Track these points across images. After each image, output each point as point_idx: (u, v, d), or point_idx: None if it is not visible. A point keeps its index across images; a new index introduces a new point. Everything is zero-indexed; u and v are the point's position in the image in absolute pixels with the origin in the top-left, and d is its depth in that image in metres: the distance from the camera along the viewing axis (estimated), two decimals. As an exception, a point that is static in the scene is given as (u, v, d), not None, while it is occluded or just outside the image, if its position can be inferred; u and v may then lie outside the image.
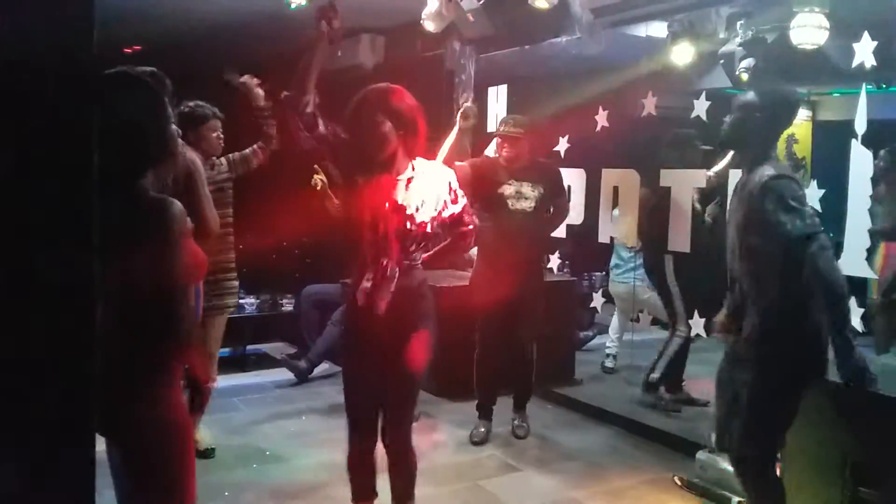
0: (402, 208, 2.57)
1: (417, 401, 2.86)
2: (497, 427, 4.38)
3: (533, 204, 4.19)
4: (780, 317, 2.54)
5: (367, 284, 2.56)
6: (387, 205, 2.56)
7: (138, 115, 1.81)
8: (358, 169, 2.61)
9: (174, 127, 1.99)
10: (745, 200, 2.60)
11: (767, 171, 2.54)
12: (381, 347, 2.60)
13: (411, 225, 2.57)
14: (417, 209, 2.59)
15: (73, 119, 1.22)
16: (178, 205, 1.80)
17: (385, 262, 2.54)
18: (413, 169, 2.64)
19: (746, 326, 2.61)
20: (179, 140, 3.46)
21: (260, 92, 3.97)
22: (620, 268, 5.50)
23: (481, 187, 4.14)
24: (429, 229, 2.61)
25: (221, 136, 3.82)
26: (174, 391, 1.85)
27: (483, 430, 4.31)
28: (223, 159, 3.94)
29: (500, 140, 4.26)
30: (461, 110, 4.14)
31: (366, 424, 2.74)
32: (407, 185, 2.60)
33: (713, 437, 3.03)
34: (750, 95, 2.68)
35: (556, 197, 4.38)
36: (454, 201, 2.67)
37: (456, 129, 3.99)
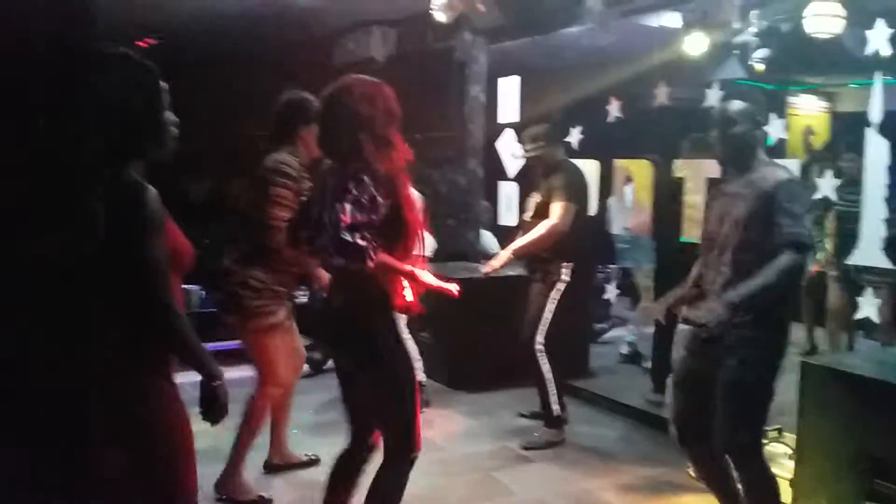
0: None
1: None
2: (506, 419, 4.41)
3: (531, 214, 4.05)
4: (765, 306, 2.59)
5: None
6: None
7: (133, 97, 1.75)
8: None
9: (169, 116, 1.88)
10: (750, 198, 2.59)
11: (780, 173, 2.62)
12: None
13: None
14: None
15: (69, 110, 1.22)
16: (150, 190, 1.72)
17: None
18: None
19: (726, 313, 2.55)
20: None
21: None
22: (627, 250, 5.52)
23: None
24: None
25: None
26: (161, 384, 1.79)
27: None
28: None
29: None
30: None
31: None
32: None
33: (674, 434, 2.84)
34: (724, 114, 2.68)
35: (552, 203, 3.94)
36: None
37: None
